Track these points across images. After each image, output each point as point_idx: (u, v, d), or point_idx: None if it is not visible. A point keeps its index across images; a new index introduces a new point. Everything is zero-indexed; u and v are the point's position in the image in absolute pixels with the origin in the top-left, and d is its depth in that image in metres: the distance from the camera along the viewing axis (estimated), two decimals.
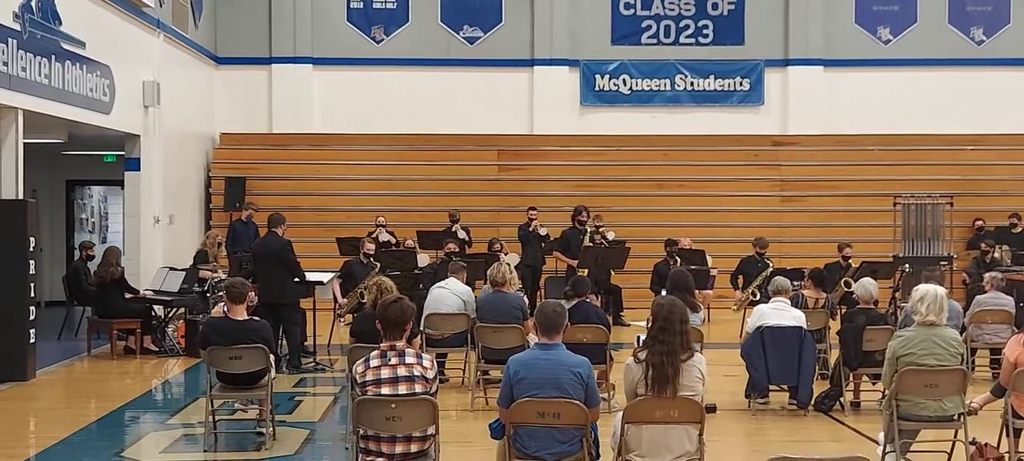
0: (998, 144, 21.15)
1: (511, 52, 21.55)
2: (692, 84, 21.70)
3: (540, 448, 6.23)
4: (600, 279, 15.82)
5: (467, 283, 11.69)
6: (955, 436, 7.70)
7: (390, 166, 20.72)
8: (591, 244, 16.71)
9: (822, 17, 21.56)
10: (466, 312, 11.18)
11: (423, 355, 6.46)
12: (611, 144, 21.14)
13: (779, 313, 10.10)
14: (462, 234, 17.54)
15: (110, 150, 18.55)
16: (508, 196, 20.31)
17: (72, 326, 15.19)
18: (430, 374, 6.27)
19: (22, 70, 12.50)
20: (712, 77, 21.67)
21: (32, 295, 11.94)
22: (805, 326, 10.09)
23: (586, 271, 15.51)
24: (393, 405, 6.14)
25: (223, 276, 14.08)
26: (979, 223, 19.30)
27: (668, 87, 21.72)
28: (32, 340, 11.93)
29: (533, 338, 8.30)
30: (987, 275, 12.38)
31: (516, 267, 12.92)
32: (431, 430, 6.28)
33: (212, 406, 9.02)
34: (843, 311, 11.55)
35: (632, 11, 21.74)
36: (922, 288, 7.60)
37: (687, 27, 21.76)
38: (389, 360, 6.23)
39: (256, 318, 9.31)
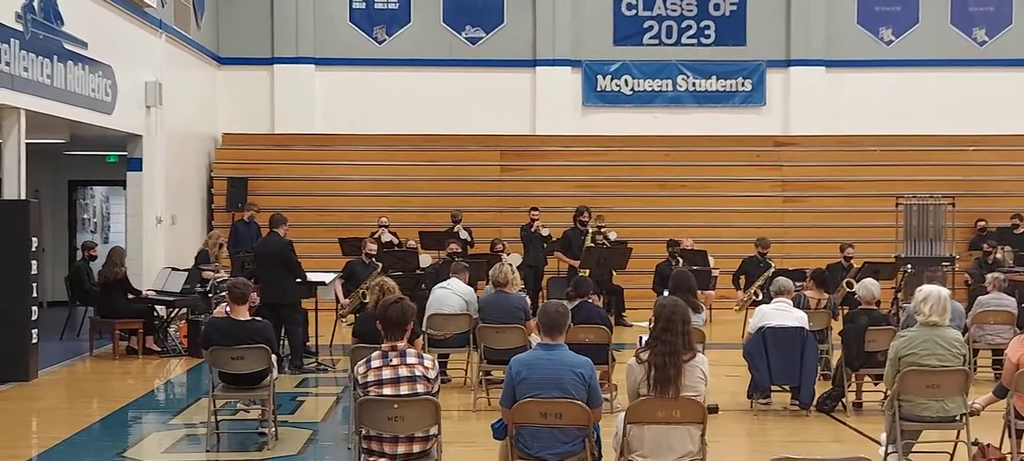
0: (1000, 145, 21.13)
1: (513, 52, 21.55)
2: (694, 85, 21.70)
3: (542, 448, 6.23)
4: (602, 279, 15.83)
5: (469, 283, 11.69)
6: (957, 437, 7.69)
7: (392, 166, 20.72)
8: (593, 244, 16.71)
9: (824, 18, 21.56)
10: (468, 312, 11.18)
11: (424, 355, 6.46)
12: (613, 144, 21.14)
13: (781, 313, 10.09)
14: (464, 234, 17.55)
15: (112, 150, 18.56)
16: (510, 196, 20.32)
17: (74, 326, 15.21)
18: (432, 374, 6.27)
19: (24, 70, 12.51)
20: (714, 78, 21.67)
21: (34, 295, 11.95)
22: (807, 327, 10.09)
23: (588, 271, 15.50)
24: (395, 405, 6.14)
25: (225, 276, 14.08)
26: (981, 224, 19.30)
27: (670, 88, 21.72)
28: (34, 340, 11.93)
29: (535, 338, 8.30)
30: (989, 276, 12.38)
31: (518, 267, 12.93)
32: (433, 430, 6.29)
33: (214, 406, 9.02)
34: (845, 312, 11.55)
35: (634, 12, 21.74)
36: (926, 289, 7.61)
37: (689, 28, 21.76)
38: (390, 360, 6.23)
39: (258, 318, 9.31)
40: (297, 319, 12.51)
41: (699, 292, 11.47)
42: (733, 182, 20.67)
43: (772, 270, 14.95)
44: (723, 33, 21.73)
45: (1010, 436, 7.60)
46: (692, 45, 21.74)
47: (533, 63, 21.57)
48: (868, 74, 21.61)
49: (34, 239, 11.95)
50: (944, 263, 17.39)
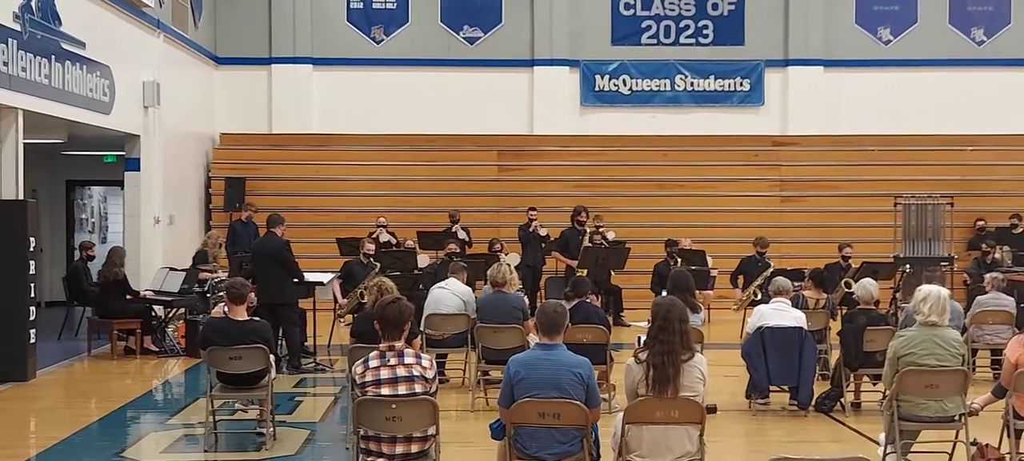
0: (999, 144, 21.14)
1: (511, 52, 21.54)
2: (692, 84, 21.70)
3: (540, 448, 6.22)
4: (600, 279, 15.81)
5: (467, 283, 11.69)
6: (956, 437, 7.69)
7: (390, 166, 20.71)
8: (591, 244, 16.71)
9: (822, 17, 21.56)
10: (466, 312, 11.17)
11: (422, 355, 6.45)
12: (611, 144, 21.14)
13: (779, 313, 10.09)
14: (462, 234, 17.54)
15: (110, 150, 18.54)
16: (508, 196, 20.31)
17: (72, 326, 15.19)
18: (429, 374, 6.26)
19: (22, 70, 12.49)
20: (712, 77, 21.67)
21: (32, 295, 11.94)
22: (805, 326, 10.08)
23: (586, 271, 15.50)
24: (393, 405, 6.14)
25: (223, 276, 14.08)
26: (980, 224, 19.29)
27: (668, 87, 21.72)
28: (32, 340, 11.92)
29: (533, 338, 8.30)
30: (988, 276, 12.38)
31: (516, 267, 12.92)
32: (431, 430, 6.28)
33: (212, 406, 9.01)
34: (844, 312, 11.55)
35: (632, 11, 21.73)
36: (925, 289, 7.60)
37: (687, 27, 21.76)
38: (388, 360, 6.23)
39: (256, 318, 9.31)
40: (295, 319, 12.50)
41: (697, 292, 11.48)
42: (731, 182, 20.66)
43: (770, 270, 14.95)
44: (721, 33, 21.73)
45: (1009, 436, 7.60)
46: (690, 45, 21.74)
47: (531, 63, 21.56)
48: (866, 74, 21.62)
49: (32, 239, 11.94)
50: (942, 263, 17.38)
